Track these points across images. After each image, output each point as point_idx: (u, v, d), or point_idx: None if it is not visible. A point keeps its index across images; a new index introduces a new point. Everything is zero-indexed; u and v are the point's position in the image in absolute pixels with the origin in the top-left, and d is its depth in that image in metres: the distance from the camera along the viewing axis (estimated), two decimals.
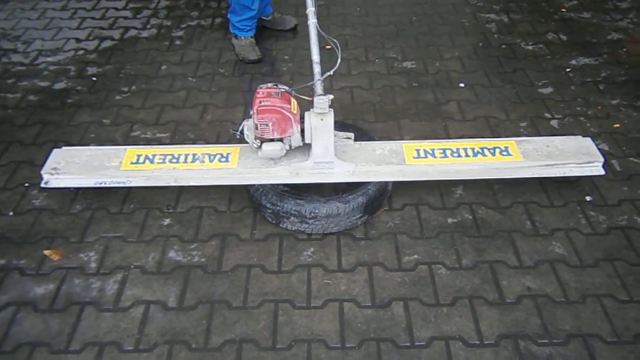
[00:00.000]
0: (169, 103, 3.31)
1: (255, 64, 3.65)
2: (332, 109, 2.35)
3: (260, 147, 2.38)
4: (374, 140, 2.70)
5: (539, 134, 3.00)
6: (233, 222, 2.52)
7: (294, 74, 3.55)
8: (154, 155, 2.55)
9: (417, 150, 2.55)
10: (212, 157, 2.53)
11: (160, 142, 3.00)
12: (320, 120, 2.33)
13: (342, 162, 2.45)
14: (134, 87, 3.47)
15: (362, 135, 2.70)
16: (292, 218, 2.37)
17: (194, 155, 2.55)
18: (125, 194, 2.65)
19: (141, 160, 2.53)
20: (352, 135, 2.61)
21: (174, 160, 2.52)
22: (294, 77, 3.51)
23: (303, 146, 2.44)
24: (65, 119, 3.20)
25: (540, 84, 3.42)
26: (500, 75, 3.50)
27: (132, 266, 2.32)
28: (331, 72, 2.36)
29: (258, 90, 2.33)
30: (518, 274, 2.25)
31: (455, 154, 2.53)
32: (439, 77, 3.50)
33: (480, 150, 2.54)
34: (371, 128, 3.03)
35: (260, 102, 2.27)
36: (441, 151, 2.54)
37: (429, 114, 3.18)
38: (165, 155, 2.55)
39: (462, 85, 3.42)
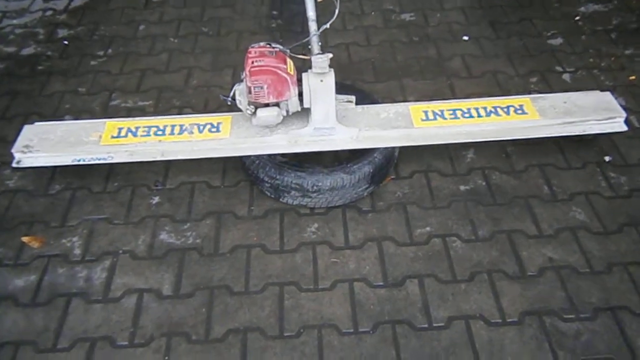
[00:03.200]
0: (150, 67, 3.03)
1: None
2: (332, 69, 2.12)
3: (254, 113, 2.16)
4: (378, 103, 2.49)
5: (551, 89, 2.80)
6: (228, 198, 2.32)
7: (283, 32, 3.27)
8: (137, 128, 2.31)
9: (425, 112, 2.34)
10: (201, 127, 2.30)
11: (143, 111, 2.75)
12: (320, 82, 2.10)
13: (345, 127, 2.24)
14: (110, 51, 3.17)
15: (364, 98, 2.48)
16: (293, 192, 2.18)
17: (182, 126, 2.31)
18: (108, 170, 2.42)
19: (123, 133, 2.29)
20: (353, 98, 2.39)
21: (160, 133, 2.29)
22: (283, 35, 3.24)
23: (301, 111, 2.22)
24: (37, 88, 2.92)
25: (548, 34, 3.19)
26: (505, 26, 3.25)
27: (120, 251, 2.12)
28: (328, 25, 2.11)
29: (250, 49, 2.08)
30: (538, 243, 2.10)
31: (467, 115, 2.32)
32: (440, 30, 3.25)
33: (493, 110, 2.34)
34: (372, 89, 2.80)
35: (252, 62, 2.03)
36: (451, 112, 2.34)
37: (432, 71, 2.95)
38: (150, 127, 2.32)
39: (465, 38, 3.18)
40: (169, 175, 2.41)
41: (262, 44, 2.13)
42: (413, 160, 2.43)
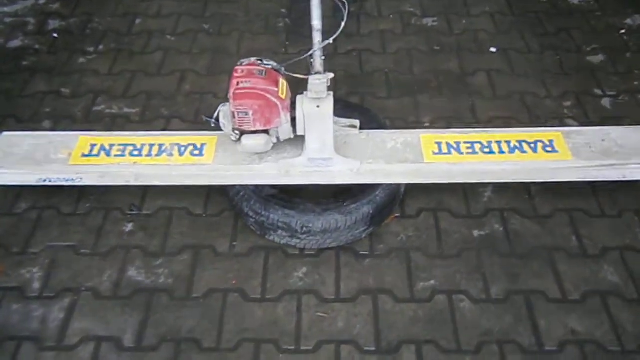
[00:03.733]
0: (142, 69, 2.77)
1: None
2: (331, 93, 1.83)
3: (239, 139, 1.88)
4: (385, 127, 2.19)
5: (587, 117, 2.45)
6: (209, 229, 2.06)
7: (290, 34, 2.96)
8: (111, 146, 2.06)
9: (438, 144, 2.03)
10: (182, 148, 2.04)
11: (127, 119, 2.50)
12: (316, 108, 1.81)
13: (344, 158, 1.95)
14: (101, 47, 2.92)
15: (370, 119, 2.18)
16: (279, 231, 1.91)
17: (161, 146, 2.05)
18: (81, 189, 2.18)
19: (95, 151, 2.04)
20: (357, 122, 2.09)
21: (136, 153, 2.03)
22: (289, 38, 2.93)
23: (296, 137, 1.94)
24: (18, 87, 2.68)
25: (588, 49, 2.82)
26: (539, 38, 2.89)
27: (83, 288, 1.89)
28: (331, 41, 1.84)
29: (237, 67, 1.80)
30: (560, 310, 1.80)
31: (486, 149, 2.01)
32: (465, 39, 2.91)
33: (517, 145, 2.02)
34: (382, 106, 2.50)
35: (238, 83, 1.75)
36: (468, 145, 2.02)
37: (452, 88, 2.62)
38: (125, 145, 2.06)
39: (493, 50, 2.83)
40: (147, 199, 2.16)
41: (252, 59, 1.85)
42: (422, 195, 2.13)
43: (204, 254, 1.98)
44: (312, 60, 1.87)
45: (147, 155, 2.02)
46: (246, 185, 1.97)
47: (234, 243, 2.01)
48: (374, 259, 1.95)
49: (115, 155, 2.03)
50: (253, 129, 1.82)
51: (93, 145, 2.06)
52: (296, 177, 1.97)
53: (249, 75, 1.76)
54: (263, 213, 1.90)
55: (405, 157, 1.99)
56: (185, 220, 2.09)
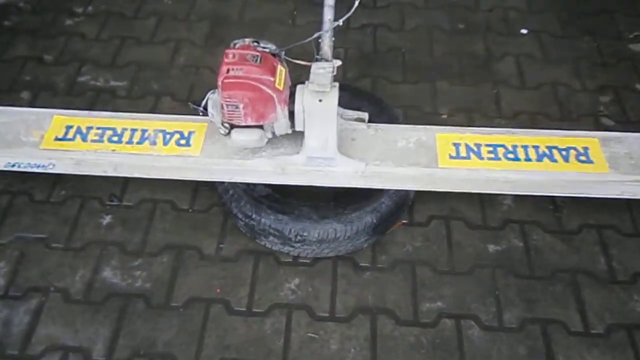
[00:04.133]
0: (133, 35, 2.51)
1: None
2: (336, 85, 1.59)
3: (229, 133, 1.65)
4: (397, 121, 1.94)
5: (625, 115, 2.18)
6: (195, 227, 1.86)
7: (298, 1, 2.67)
8: (88, 129, 1.84)
9: (456, 146, 1.78)
10: (167, 136, 1.81)
11: (113, 94, 2.27)
12: (318, 102, 1.57)
13: (348, 159, 1.72)
14: (90, 8, 2.65)
15: (380, 110, 1.94)
16: (271, 237, 1.71)
17: (144, 132, 1.83)
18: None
19: (70, 134, 1.82)
20: (365, 116, 1.84)
21: (115, 139, 1.81)
22: (298, 8, 2.64)
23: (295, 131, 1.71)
24: None
25: (631, 36, 2.51)
26: (577, 20, 2.58)
27: (52, 288, 1.71)
28: (340, 22, 1.61)
29: (227, 51, 1.55)
30: (581, 344, 1.60)
31: (510, 155, 1.76)
32: (493, 18, 2.60)
33: (547, 152, 1.77)
34: (396, 92, 2.24)
35: (228, 70, 1.51)
36: (490, 149, 1.78)
37: (476, 74, 2.35)
38: (104, 129, 1.84)
39: (524, 31, 2.53)
40: (129, 188, 1.95)
41: (247, 41, 1.59)
42: (433, 200, 1.90)
43: (188, 256, 1.78)
44: (320, 40, 1.63)
45: (127, 143, 1.80)
46: (236, 183, 1.75)
47: (221, 245, 1.81)
48: (375, 271, 1.75)
49: (92, 141, 1.81)
50: (244, 124, 1.58)
51: (69, 128, 1.84)
52: (293, 176, 1.75)
53: (241, 62, 1.51)
54: (253, 216, 1.69)
55: (418, 160, 1.75)
56: (169, 215, 1.89)
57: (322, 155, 1.70)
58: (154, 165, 1.78)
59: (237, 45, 1.58)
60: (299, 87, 1.60)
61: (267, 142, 1.71)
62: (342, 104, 1.68)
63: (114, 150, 1.79)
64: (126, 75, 2.34)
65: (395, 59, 2.41)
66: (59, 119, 1.87)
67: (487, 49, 2.45)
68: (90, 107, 2.20)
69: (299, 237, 1.66)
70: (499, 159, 1.76)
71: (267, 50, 1.59)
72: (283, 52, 1.63)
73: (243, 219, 1.72)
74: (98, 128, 1.85)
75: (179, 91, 2.28)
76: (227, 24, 2.57)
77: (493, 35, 2.51)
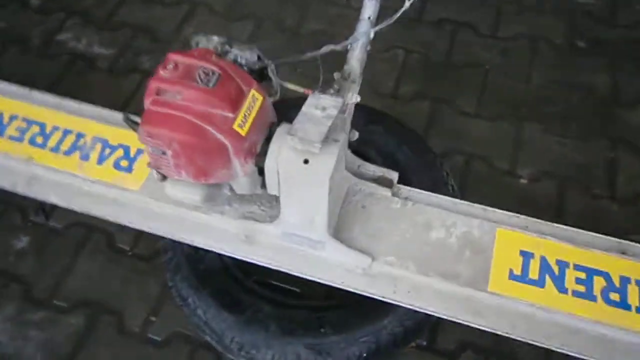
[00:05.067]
0: None
1: None
2: (339, 139, 0.97)
3: (163, 179, 1.07)
4: (444, 182, 1.28)
5: None
6: (129, 280, 1.34)
7: None
8: (12, 118, 1.34)
9: (526, 257, 1.10)
10: (107, 150, 1.27)
11: (92, 64, 1.76)
12: (302, 164, 0.95)
13: (345, 247, 1.09)
14: None
15: (424, 166, 1.28)
16: (208, 337, 1.14)
17: (79, 137, 1.30)
18: None
19: None
20: (394, 176, 1.19)
21: (39, 140, 1.30)
22: None
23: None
24: None
25: None
26: None
27: None
28: (377, 29, 1.04)
29: (170, 55, 0.95)
30: None
31: (614, 296, 1.05)
32: (634, 37, 1.79)
33: None
34: (461, 128, 1.56)
35: (158, 91, 0.91)
36: (582, 276, 1.08)
37: (588, 122, 1.59)
38: (31, 123, 1.33)
39: None
40: None
41: (214, 40, 0.98)
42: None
43: (104, 324, 1.27)
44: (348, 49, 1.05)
45: (52, 150, 1.28)
46: (181, 243, 1.19)
47: (153, 318, 1.28)
48: None
49: (10, 137, 1.31)
50: (175, 177, 0.99)
51: None
52: (261, 250, 1.15)
53: (182, 79, 0.91)
54: (189, 300, 1.13)
55: (457, 269, 1.09)
56: (101, 253, 1.38)
57: (304, 234, 1.09)
58: (77, 191, 1.25)
59: (192, 47, 0.98)
60: (278, 130, 0.98)
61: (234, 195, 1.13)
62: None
63: (29, 158, 1.28)
64: (116, 41, 1.81)
65: (473, 78, 1.69)
66: None
67: (615, 85, 1.67)
68: (60, 76, 1.71)
69: (243, 352, 1.09)
70: (594, 298, 1.06)
71: (242, 60, 0.98)
72: (273, 66, 1.01)
73: (177, 299, 1.17)
74: (24, 120, 1.34)
75: None
76: None
77: (629, 66, 1.71)
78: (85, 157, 1.27)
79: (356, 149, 1.26)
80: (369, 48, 1.15)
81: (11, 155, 1.28)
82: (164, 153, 0.92)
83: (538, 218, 1.13)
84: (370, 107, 1.35)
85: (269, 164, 0.97)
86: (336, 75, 1.10)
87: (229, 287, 1.15)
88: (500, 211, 1.18)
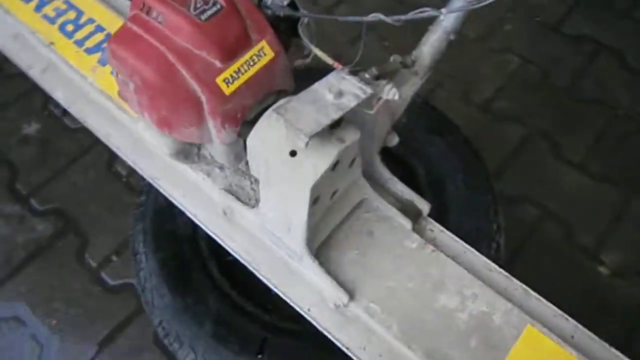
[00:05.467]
0: None
1: None
2: (350, 141, 0.73)
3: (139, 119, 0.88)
4: (489, 236, 0.99)
5: None
6: (110, 207, 1.20)
7: None
8: None
9: None
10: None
11: None
12: (287, 156, 0.71)
13: (323, 273, 0.85)
14: None
15: (471, 207, 0.99)
16: (166, 340, 0.96)
17: (108, 36, 1.16)
18: None
19: None
20: (426, 208, 0.92)
21: (70, 27, 1.18)
22: None
23: None
24: None
25: None
26: None
27: None
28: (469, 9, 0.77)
29: None
30: None
31: None
32: None
33: None
34: (551, 176, 1.22)
35: (143, 5, 0.71)
36: None
37: None
38: (71, 6, 1.22)
39: None
40: (32, 175, 1.33)
41: None
42: None
43: (65, 244, 1.16)
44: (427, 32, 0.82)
45: (76, 42, 1.16)
46: (157, 192, 1.02)
47: (114, 257, 1.14)
48: None
49: (44, 16, 1.20)
50: (136, 113, 0.80)
51: None
52: (237, 236, 0.95)
53: (172, 1, 0.69)
54: (138, 258, 0.97)
55: (449, 357, 0.82)
56: (95, 169, 1.25)
57: (281, 236, 0.87)
58: (82, 95, 1.12)
59: None
60: (280, 102, 0.74)
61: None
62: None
63: (51, 43, 1.16)
64: None
65: (596, 119, 1.32)
66: None
67: None
68: None
69: (166, 340, 0.91)
70: None
71: (267, 1, 0.75)
72: (306, 20, 0.77)
73: (130, 249, 1.01)
74: (66, 2, 1.22)
75: None
76: None
77: None
78: (103, 62, 1.13)
79: (401, 158, 1.00)
80: (452, 37, 0.87)
81: (37, 36, 1.18)
82: (125, 83, 0.73)
83: (600, 329, 0.81)
84: (440, 110, 1.07)
85: (252, 139, 0.74)
86: (393, 58, 0.84)
87: (187, 260, 0.97)
88: (548, 303, 0.87)
